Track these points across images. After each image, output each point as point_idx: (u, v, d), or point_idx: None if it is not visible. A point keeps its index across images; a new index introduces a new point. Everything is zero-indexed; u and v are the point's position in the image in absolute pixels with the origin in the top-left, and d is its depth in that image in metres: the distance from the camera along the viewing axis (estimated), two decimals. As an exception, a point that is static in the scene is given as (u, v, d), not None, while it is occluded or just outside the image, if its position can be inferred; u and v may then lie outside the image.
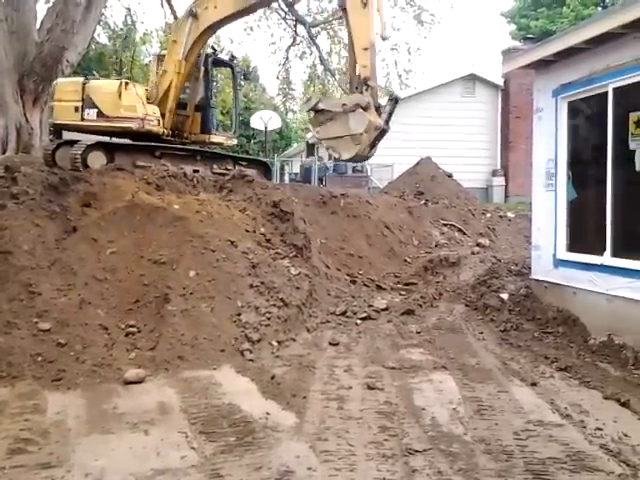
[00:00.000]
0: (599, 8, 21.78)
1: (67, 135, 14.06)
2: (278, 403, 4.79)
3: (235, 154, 13.69)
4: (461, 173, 17.60)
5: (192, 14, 10.79)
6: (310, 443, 4.00)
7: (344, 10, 9.45)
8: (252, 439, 4.05)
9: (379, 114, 8.78)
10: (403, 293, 9.63)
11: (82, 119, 10.85)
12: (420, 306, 8.42)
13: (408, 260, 11.17)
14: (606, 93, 6.59)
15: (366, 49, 9.04)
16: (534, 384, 5.28)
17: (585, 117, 7.49)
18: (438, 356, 6.20)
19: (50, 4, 18.49)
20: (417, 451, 3.81)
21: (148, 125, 10.77)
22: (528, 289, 8.18)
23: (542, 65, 7.80)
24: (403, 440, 4.03)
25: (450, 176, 15.18)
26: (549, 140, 7.67)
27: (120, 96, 10.69)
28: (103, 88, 11.09)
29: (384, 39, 10.41)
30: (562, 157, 7.46)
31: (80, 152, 10.07)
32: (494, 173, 22.14)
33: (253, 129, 36.92)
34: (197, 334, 6.36)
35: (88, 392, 5.11)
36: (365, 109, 8.51)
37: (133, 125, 10.69)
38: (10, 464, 3.67)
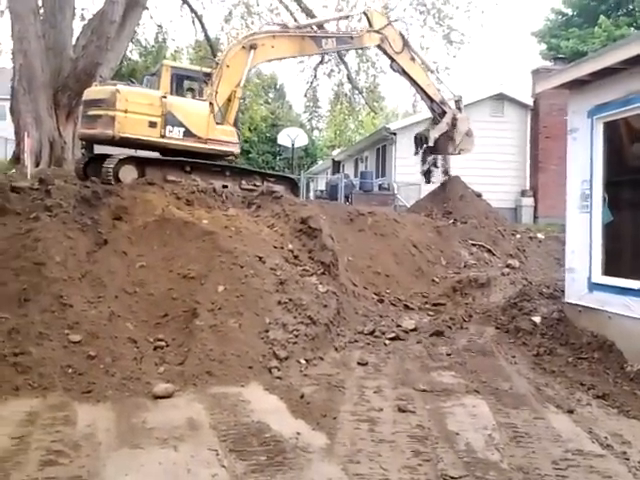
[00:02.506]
0: (632, 29, 21.58)
1: (98, 149, 14.31)
2: (308, 423, 4.71)
3: (263, 170, 13.78)
4: (490, 193, 17.44)
5: (252, 47, 11.49)
6: (342, 465, 3.92)
7: (402, 70, 14.11)
8: (283, 459, 3.98)
9: None
10: (431, 314, 9.51)
11: (162, 136, 10.77)
12: (449, 327, 8.29)
13: (436, 280, 11.04)
14: (645, 114, 6.47)
15: (428, 85, 14.51)
16: (571, 411, 5.13)
17: (622, 138, 7.35)
18: (470, 380, 6.07)
19: (86, 22, 19.00)
20: (453, 477, 3.71)
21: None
22: (561, 313, 8.00)
23: (576, 85, 7.70)
24: (438, 465, 3.92)
25: (479, 196, 15.04)
26: (584, 161, 7.54)
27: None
28: (189, 107, 11.15)
29: (431, 72, 15.10)
30: (597, 179, 7.32)
31: (112, 166, 10.18)
32: (523, 193, 21.88)
33: (280, 146, 37.26)
34: (225, 350, 6.33)
35: (117, 405, 5.09)
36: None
37: (235, 150, 11.59)
38: (42, 476, 3.66)
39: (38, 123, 14.99)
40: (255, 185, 11.63)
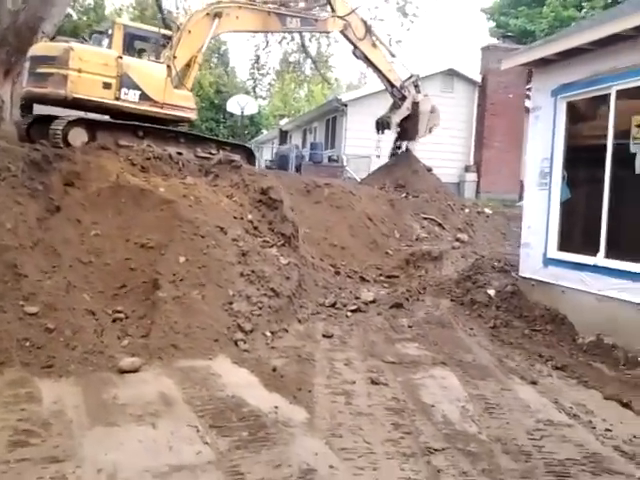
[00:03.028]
0: (580, 11, 22.10)
1: (39, 110, 13.53)
2: (284, 397, 4.68)
3: (219, 138, 13.45)
4: (437, 168, 17.60)
5: (217, 15, 11.29)
6: (325, 440, 3.92)
7: (364, 56, 14.34)
8: (266, 434, 3.94)
9: None
10: (386, 286, 9.61)
11: (116, 98, 10.24)
12: (407, 300, 8.41)
13: (390, 253, 11.15)
14: (608, 95, 6.64)
15: (389, 70, 14.82)
16: (534, 382, 5.31)
17: (584, 118, 7.55)
18: (434, 351, 6.20)
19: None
20: (436, 450, 3.77)
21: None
22: (515, 286, 8.25)
23: (541, 64, 7.82)
24: (419, 438, 3.98)
25: (430, 170, 15.22)
26: (545, 139, 7.72)
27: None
28: (146, 69, 10.66)
29: (393, 56, 15.21)
30: (558, 157, 7.51)
31: (61, 128, 9.66)
32: (467, 169, 22.31)
33: (226, 113, 36.41)
34: (190, 322, 6.20)
35: (82, 380, 4.90)
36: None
37: (192, 116, 11.30)
38: (14, 457, 3.48)
39: (-28, 80, 13.99)
40: (211, 153, 11.31)
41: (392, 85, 15.14)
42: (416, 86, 15.62)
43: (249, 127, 43.91)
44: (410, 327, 7.11)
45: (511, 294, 8.12)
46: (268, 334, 6.51)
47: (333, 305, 7.88)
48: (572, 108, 7.49)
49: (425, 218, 12.71)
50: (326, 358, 5.78)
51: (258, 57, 23.83)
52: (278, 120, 32.24)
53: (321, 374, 5.28)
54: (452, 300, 8.52)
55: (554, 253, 7.52)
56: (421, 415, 4.40)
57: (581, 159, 7.50)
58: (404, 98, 15.24)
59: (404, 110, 15.18)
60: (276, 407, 4.42)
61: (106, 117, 10.81)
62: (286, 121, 30.37)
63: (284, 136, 30.28)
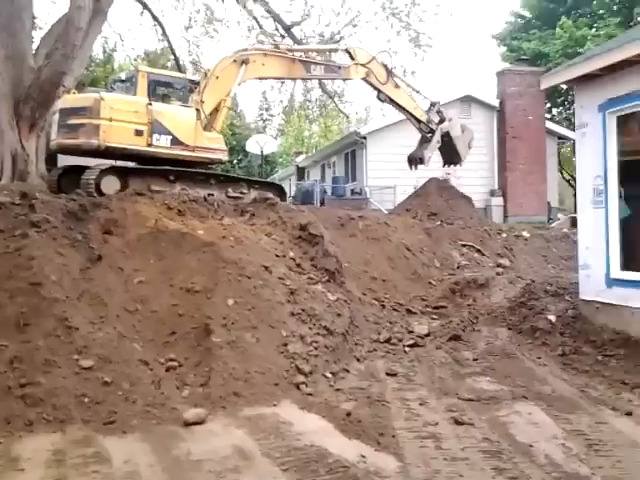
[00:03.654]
0: (591, 29, 22.12)
1: (63, 161, 13.55)
2: (366, 444, 4.35)
3: (249, 177, 13.37)
4: (460, 195, 17.46)
5: (244, 62, 11.45)
6: (428, 490, 3.57)
7: (389, 99, 14.39)
8: (362, 487, 3.60)
9: None
10: (435, 317, 9.27)
11: (149, 145, 10.22)
12: (463, 331, 8.04)
13: (433, 283, 10.82)
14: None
15: (415, 108, 14.85)
16: (629, 413, 4.93)
17: (636, 131, 7.29)
18: (509, 385, 5.83)
19: (38, 31, 18.18)
20: (555, 496, 3.41)
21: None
22: (575, 310, 7.88)
23: (584, 80, 7.61)
24: (530, 483, 3.62)
25: (463, 196, 14.96)
26: (595, 156, 7.44)
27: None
28: (175, 114, 10.69)
29: (417, 92, 15.44)
30: (612, 173, 7.23)
31: (94, 177, 9.58)
32: (492, 193, 22.04)
33: (240, 153, 36.68)
34: (248, 367, 5.90)
35: (148, 436, 4.61)
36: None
37: (223, 157, 11.40)
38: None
39: (-1, 136, 14.09)
40: (242, 193, 11.19)
41: (419, 121, 15.10)
42: (439, 112, 15.53)
43: (264, 166, 44.30)
44: (475, 360, 6.74)
45: (573, 318, 7.74)
46: (329, 375, 6.20)
47: (388, 341, 7.55)
48: (622, 122, 7.24)
49: (463, 245, 12.40)
50: (398, 398, 5.44)
51: (265, 97, 24.02)
52: (294, 157, 32.27)
53: (398, 416, 4.94)
54: (509, 328, 8.14)
55: (618, 273, 7.17)
56: (522, 457, 4.04)
57: (638, 173, 7.20)
58: (432, 131, 15.17)
59: (435, 144, 15.19)
60: (363, 456, 4.09)
61: (132, 164, 10.78)
62: (302, 157, 30.36)
63: (301, 172, 30.33)
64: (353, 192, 21.16)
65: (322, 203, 19.32)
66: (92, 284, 6.97)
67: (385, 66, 14.15)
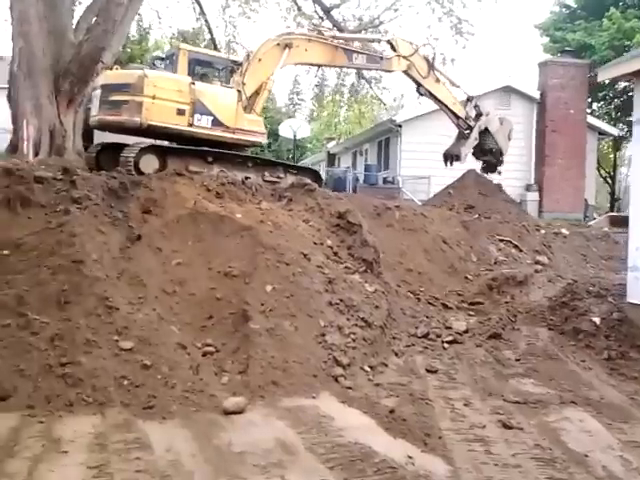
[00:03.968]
0: (640, 22, 21.42)
1: (101, 137, 13.54)
2: (412, 444, 4.22)
3: (286, 162, 13.26)
4: (496, 187, 17.08)
5: (288, 46, 11.29)
6: (482, 498, 3.43)
7: (429, 93, 14.06)
8: (413, 491, 3.48)
9: None
10: (472, 313, 9.04)
11: (190, 125, 10.13)
12: (502, 329, 7.82)
13: (470, 277, 10.57)
14: None
15: (454, 103, 14.44)
16: (686, 425, 4.71)
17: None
18: (554, 388, 5.65)
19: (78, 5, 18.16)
20: (619, 514, 3.24)
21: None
22: (621, 313, 7.61)
23: (646, 73, 7.29)
24: (590, 497, 3.46)
25: (501, 190, 14.63)
26: (653, 154, 7.14)
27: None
28: (218, 94, 10.58)
29: (457, 86, 14.71)
30: (671, 172, 6.92)
31: (133, 155, 9.53)
32: (528, 188, 21.56)
33: (270, 136, 36.49)
34: (287, 357, 5.81)
35: (188, 423, 4.54)
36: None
37: (262, 139, 11.29)
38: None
39: (38, 110, 14.11)
40: (279, 177, 11.07)
41: (457, 117, 14.77)
42: (476, 106, 15.15)
43: (293, 151, 44.17)
44: (517, 360, 6.56)
45: (619, 322, 7.48)
46: (367, 369, 6.08)
47: (426, 336, 7.40)
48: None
49: (501, 240, 12.10)
50: (441, 397, 5.30)
51: (296, 80, 23.84)
52: (325, 143, 32.02)
53: (443, 416, 4.80)
54: (550, 329, 7.90)
55: (671, 277, 6.89)
56: (577, 467, 3.87)
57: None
58: (470, 128, 14.83)
59: (472, 141, 14.83)
60: (410, 457, 3.97)
61: (170, 143, 10.70)
62: (334, 144, 30.11)
63: (332, 159, 30.10)
64: (385, 181, 20.92)
65: (354, 190, 19.11)
66: (131, 264, 6.94)
67: (427, 59, 13.84)
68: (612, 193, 31.33)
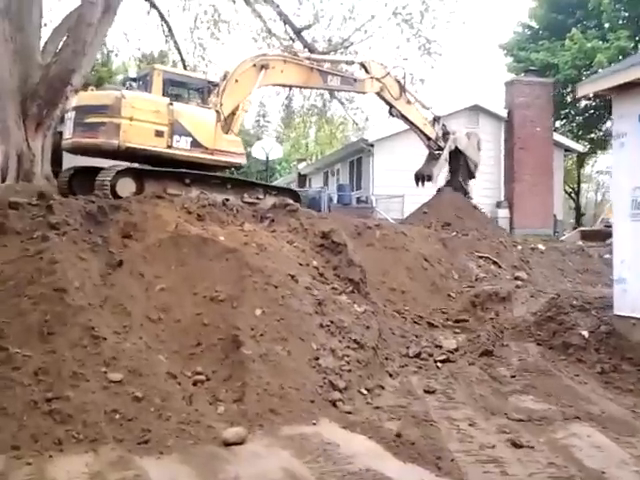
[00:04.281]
0: (601, 42, 22.08)
1: (70, 162, 13.19)
2: (425, 468, 4.08)
3: (265, 182, 13.16)
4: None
5: (264, 67, 11.32)
6: (508, 524, 3.30)
7: (401, 115, 14.30)
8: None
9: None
10: (458, 331, 9.01)
11: (168, 146, 9.93)
12: (493, 346, 7.78)
13: (452, 295, 10.56)
14: None
15: (424, 124, 14.82)
16: (691, 437, 4.68)
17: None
18: (554, 404, 5.59)
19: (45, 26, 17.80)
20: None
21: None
22: (609, 326, 7.64)
23: (625, 89, 7.40)
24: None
25: (475, 207, 14.78)
26: (635, 167, 7.24)
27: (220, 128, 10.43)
28: (196, 115, 10.43)
29: (427, 109, 15.13)
30: (654, 185, 7.02)
31: (109, 179, 9.28)
32: (498, 205, 21.88)
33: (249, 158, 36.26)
34: (282, 383, 5.62)
35: (187, 457, 4.32)
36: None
37: (242, 160, 11.14)
38: None
39: (5, 134, 13.69)
40: (258, 198, 10.93)
41: (428, 138, 14.99)
42: (443, 125, 15.43)
43: (262, 172, 44.02)
44: (513, 377, 6.49)
45: (607, 334, 7.50)
46: (364, 391, 5.93)
47: (418, 355, 7.29)
48: (666, 133, 7.04)
49: (480, 257, 12.16)
50: (444, 418, 5.17)
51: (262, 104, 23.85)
52: (296, 164, 32.02)
53: (450, 438, 4.67)
54: (539, 344, 7.88)
55: (659, 288, 6.95)
56: (597, 486, 3.78)
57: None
58: (440, 148, 15.08)
59: (443, 162, 15.15)
60: (425, 483, 3.82)
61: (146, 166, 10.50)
62: (304, 165, 30.14)
63: (303, 180, 30.07)
64: (359, 200, 20.96)
65: (329, 210, 19.06)
66: (114, 290, 6.68)
67: (398, 81, 14.06)
68: (577, 208, 32.04)
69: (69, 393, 4.82)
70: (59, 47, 14.69)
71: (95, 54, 15.92)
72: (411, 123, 14.77)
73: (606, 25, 24.19)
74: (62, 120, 14.86)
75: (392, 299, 10.00)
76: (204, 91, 11.23)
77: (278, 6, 18.64)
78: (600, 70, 23.37)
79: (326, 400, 5.61)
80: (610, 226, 19.42)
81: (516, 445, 4.45)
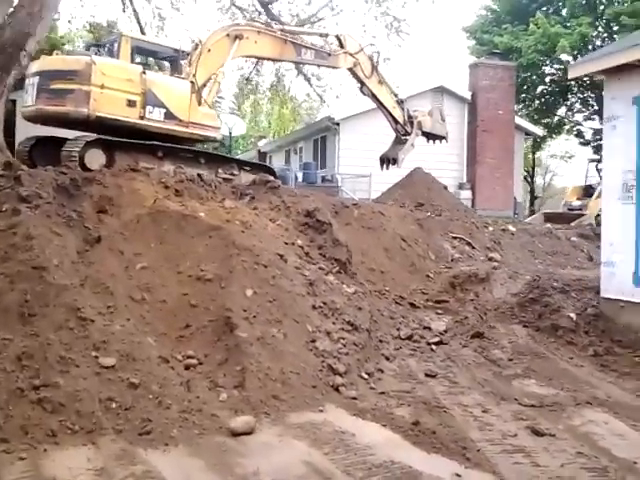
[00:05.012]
0: (562, 27, 22.33)
1: (25, 131, 12.38)
2: (451, 459, 3.90)
3: (240, 158, 12.68)
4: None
5: (238, 37, 10.67)
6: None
7: (371, 94, 13.84)
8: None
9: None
10: (440, 312, 8.91)
11: (141, 117, 9.27)
12: (482, 328, 7.69)
13: (431, 276, 10.44)
14: None
15: (394, 107, 14.31)
16: None
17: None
18: (559, 388, 5.54)
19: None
20: None
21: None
22: (595, 308, 7.68)
23: (617, 71, 7.35)
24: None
25: (446, 188, 14.71)
26: (627, 150, 7.22)
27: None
28: (170, 85, 9.78)
29: (396, 95, 14.54)
30: (646, 168, 7.01)
31: (78, 150, 8.66)
32: (461, 186, 21.96)
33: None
34: (282, 367, 5.34)
35: (196, 449, 4.00)
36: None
37: (217, 134, 10.57)
38: None
39: (-48, 101, 12.74)
40: (232, 174, 10.47)
41: (396, 122, 14.69)
42: (407, 109, 15.07)
43: (219, 149, 43.02)
44: (510, 360, 6.40)
45: (594, 317, 7.54)
46: (365, 375, 5.72)
47: (410, 338, 7.13)
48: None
49: (454, 237, 12.10)
50: (455, 404, 5.01)
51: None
52: (256, 141, 31.39)
53: (468, 426, 4.51)
54: (525, 326, 7.82)
55: (648, 271, 6.98)
56: (633, 475, 3.67)
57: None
58: (407, 134, 14.81)
59: (409, 147, 14.83)
60: (458, 475, 3.64)
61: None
62: (265, 142, 29.56)
63: (263, 157, 29.47)
64: (324, 179, 20.66)
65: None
66: (92, 269, 6.22)
67: (371, 59, 13.71)
68: (532, 191, 32.72)
69: (58, 380, 4.41)
70: (10, 9, 13.72)
71: (50, 18, 14.92)
72: (380, 104, 14.43)
73: (564, 11, 24.56)
74: (16, 87, 13.97)
75: (372, 279, 9.78)
76: (175, 60, 10.65)
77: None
78: (563, 55, 23.80)
79: (328, 385, 5.37)
80: (572, 209, 19.98)
81: (537, 433, 4.32)
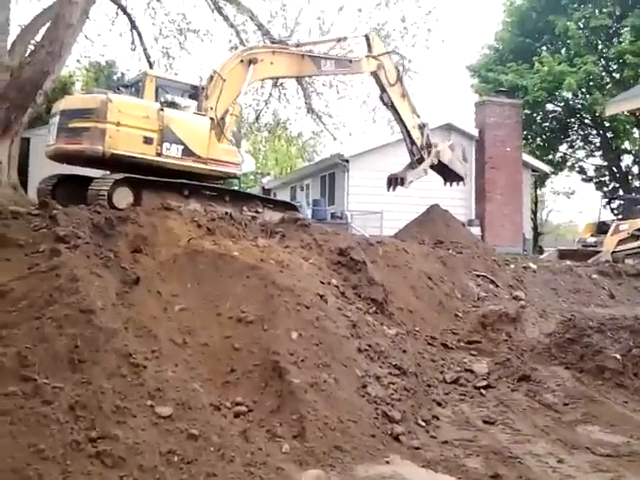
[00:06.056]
0: (567, 65, 22.70)
1: (40, 169, 12.30)
2: (547, 517, 3.64)
3: (263, 195, 12.57)
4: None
5: (252, 62, 10.53)
6: None
7: (391, 103, 13.46)
8: None
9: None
10: (474, 353, 8.68)
11: (158, 154, 9.22)
12: (528, 370, 7.47)
13: (459, 315, 10.23)
14: None
15: (413, 127, 13.90)
16: None
17: None
18: (628, 435, 5.29)
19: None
20: None
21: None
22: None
23: (657, 109, 7.34)
24: None
25: (464, 225, 14.62)
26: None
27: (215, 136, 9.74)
28: (188, 122, 9.71)
29: (418, 117, 14.11)
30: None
31: (107, 188, 8.53)
32: (470, 223, 21.90)
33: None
34: (340, 415, 5.10)
35: (271, 508, 3.74)
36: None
37: (237, 171, 10.46)
38: None
39: (-31, 140, 12.68)
40: (257, 212, 10.37)
41: (413, 143, 14.44)
42: (427, 135, 14.88)
43: (239, 185, 43.00)
44: (566, 405, 6.16)
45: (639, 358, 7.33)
46: (422, 423, 5.47)
47: (456, 381, 6.91)
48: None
49: (477, 275, 11.93)
50: (526, 454, 4.76)
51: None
52: (260, 178, 31.44)
53: (548, 478, 4.26)
54: (567, 368, 7.60)
55: (699, 312, 6.81)
56: None
57: None
58: (422, 160, 14.56)
59: (421, 172, 14.53)
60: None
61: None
62: (269, 178, 29.60)
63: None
64: (333, 216, 20.59)
65: (306, 226, 18.60)
66: (134, 311, 6.02)
67: (397, 68, 13.47)
68: (535, 228, 32.77)
69: (116, 431, 4.14)
70: (28, 48, 13.81)
71: (67, 58, 15.01)
72: (400, 119, 13.95)
73: (563, 50, 24.95)
74: (30, 125, 13.94)
75: (403, 319, 9.61)
76: (197, 96, 10.62)
77: (252, 14, 18.18)
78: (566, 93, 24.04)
79: (386, 434, 5.12)
80: (587, 246, 19.91)
81: (625, 486, 4.10)
